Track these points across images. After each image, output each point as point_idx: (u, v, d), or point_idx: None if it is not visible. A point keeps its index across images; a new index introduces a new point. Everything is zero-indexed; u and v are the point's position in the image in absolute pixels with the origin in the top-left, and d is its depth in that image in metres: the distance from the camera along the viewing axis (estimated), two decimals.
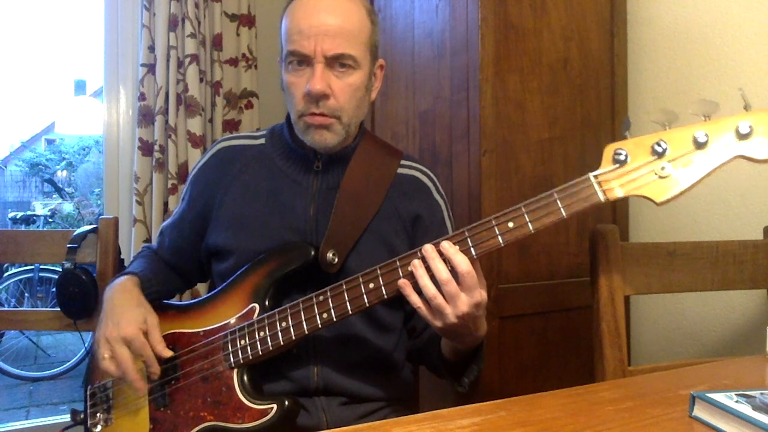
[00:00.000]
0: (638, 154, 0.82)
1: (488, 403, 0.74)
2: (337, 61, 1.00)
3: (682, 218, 1.64)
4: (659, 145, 0.81)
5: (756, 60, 1.49)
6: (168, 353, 1.01)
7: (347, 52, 1.00)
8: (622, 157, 0.83)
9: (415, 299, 0.88)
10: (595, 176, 0.84)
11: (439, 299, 0.86)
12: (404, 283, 0.88)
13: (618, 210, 1.73)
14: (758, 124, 0.77)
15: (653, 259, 1.15)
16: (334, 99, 1.01)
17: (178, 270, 1.21)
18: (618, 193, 0.83)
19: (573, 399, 0.77)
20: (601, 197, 0.83)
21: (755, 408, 0.64)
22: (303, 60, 1.00)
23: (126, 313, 1.00)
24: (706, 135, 0.79)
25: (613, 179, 0.83)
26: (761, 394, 0.68)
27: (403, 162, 1.14)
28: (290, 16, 1.02)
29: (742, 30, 1.52)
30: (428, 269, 0.87)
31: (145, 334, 1.00)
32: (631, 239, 1.76)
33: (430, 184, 1.15)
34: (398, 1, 1.84)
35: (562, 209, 0.84)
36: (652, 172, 0.81)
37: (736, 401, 0.66)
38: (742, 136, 0.78)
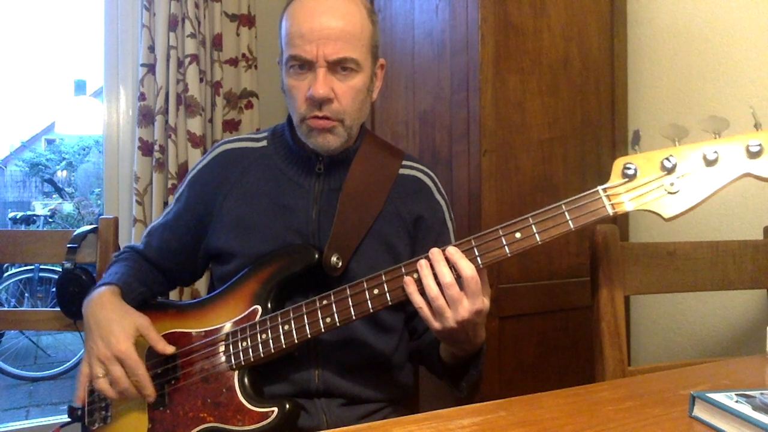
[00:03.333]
0: (648, 169, 0.83)
1: (488, 403, 0.75)
2: (339, 65, 0.99)
3: (682, 218, 1.63)
4: (669, 160, 0.81)
5: (756, 59, 1.49)
6: (171, 350, 1.01)
7: (349, 56, 0.99)
8: (631, 172, 0.83)
9: (417, 299, 0.88)
10: (604, 189, 0.84)
11: (441, 301, 0.86)
12: (409, 281, 0.88)
13: None
14: None
15: (653, 259, 1.15)
16: (337, 102, 1.00)
17: (165, 271, 1.18)
18: (626, 207, 0.83)
19: (573, 399, 0.77)
20: (610, 211, 0.84)
21: (755, 408, 0.64)
22: (305, 64, 0.99)
23: (113, 328, 0.97)
24: (716, 152, 0.80)
25: (622, 193, 0.84)
26: (761, 394, 0.68)
27: (404, 162, 1.14)
28: (290, 18, 1.01)
29: (742, 29, 1.52)
30: (433, 272, 0.87)
31: (140, 340, 0.99)
32: (631, 239, 1.76)
33: (431, 184, 1.15)
34: (398, 1, 1.84)
35: (570, 221, 0.85)
36: (661, 188, 0.82)
37: (736, 401, 0.66)
38: (752, 155, 0.79)
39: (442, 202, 1.15)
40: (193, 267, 1.18)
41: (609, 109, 1.73)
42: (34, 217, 5.57)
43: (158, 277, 1.17)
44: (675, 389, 0.79)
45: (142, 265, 1.16)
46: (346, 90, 1.00)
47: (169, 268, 1.18)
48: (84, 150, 10.65)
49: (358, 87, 1.02)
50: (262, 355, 0.96)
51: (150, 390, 0.98)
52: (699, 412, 0.68)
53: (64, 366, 4.01)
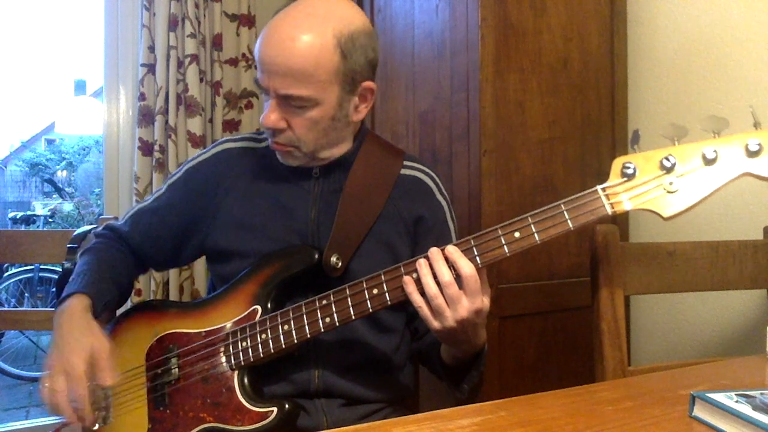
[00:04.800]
0: (647, 169, 0.83)
1: (488, 403, 0.75)
2: (288, 100, 0.96)
3: (682, 218, 1.63)
4: (668, 159, 0.81)
5: (756, 60, 1.49)
6: (111, 382, 0.93)
7: (296, 94, 0.95)
8: (630, 171, 0.83)
9: (416, 298, 0.88)
10: (603, 189, 0.84)
11: (440, 300, 0.86)
12: (408, 280, 0.88)
13: None
14: None
15: (653, 259, 1.15)
16: (290, 131, 0.99)
17: (142, 255, 1.15)
18: (625, 206, 0.83)
19: (573, 399, 0.77)
20: (609, 210, 0.84)
21: (755, 408, 0.64)
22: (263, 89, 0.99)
23: (71, 342, 0.93)
24: (715, 151, 0.80)
25: (621, 192, 0.84)
26: (761, 394, 0.68)
27: (405, 163, 1.14)
28: (259, 38, 0.99)
29: (742, 30, 1.52)
30: (432, 271, 0.87)
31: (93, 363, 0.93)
32: (631, 239, 1.76)
33: (432, 184, 1.15)
34: (398, 1, 1.84)
35: (569, 221, 0.85)
36: (659, 187, 0.82)
37: (736, 401, 0.66)
38: (751, 154, 0.79)
39: (444, 203, 1.15)
40: (174, 255, 1.15)
41: (609, 109, 1.73)
42: (34, 217, 5.58)
43: (131, 264, 1.13)
44: (675, 389, 0.79)
45: (118, 256, 1.11)
46: (301, 121, 0.98)
47: (149, 253, 1.15)
48: (84, 150, 10.65)
49: (315, 118, 0.98)
50: (261, 355, 0.96)
51: (86, 412, 0.91)
52: (699, 412, 0.68)
53: None
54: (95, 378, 0.92)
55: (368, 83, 1.02)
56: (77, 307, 0.99)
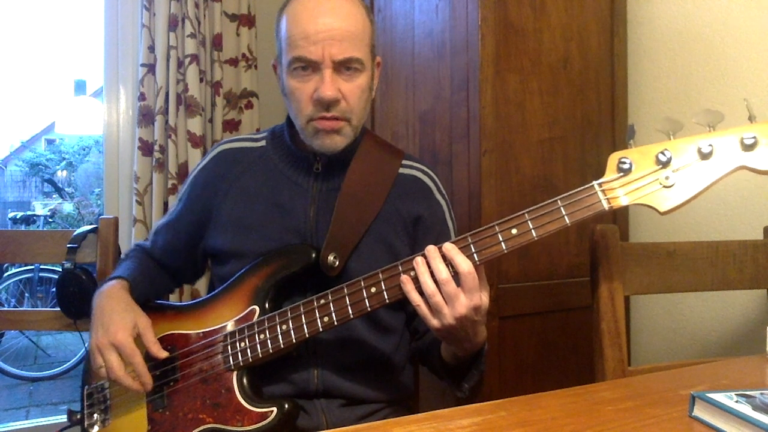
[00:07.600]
0: (642, 163, 0.83)
1: (488, 403, 0.75)
2: (344, 65, 0.99)
3: (682, 218, 1.64)
4: (663, 154, 0.81)
5: (756, 59, 1.49)
6: (164, 354, 1.01)
7: (354, 56, 0.99)
8: (626, 166, 0.83)
9: (414, 296, 0.88)
10: (599, 184, 0.84)
11: (438, 297, 0.86)
12: (405, 279, 0.88)
13: (618, 210, 1.73)
14: (763, 135, 0.78)
15: (653, 259, 1.15)
16: (345, 102, 1.01)
17: (170, 269, 1.20)
18: (622, 201, 0.83)
19: (573, 399, 0.77)
20: (605, 205, 0.84)
21: (755, 408, 0.64)
22: (309, 65, 0.99)
23: (115, 319, 0.99)
24: (711, 145, 0.79)
25: (618, 188, 0.84)
26: (761, 394, 0.68)
27: (404, 162, 1.14)
28: (292, 19, 1.00)
29: (741, 29, 1.52)
30: (430, 269, 0.87)
31: (138, 337, 0.99)
32: (631, 239, 1.76)
33: (431, 183, 1.15)
34: (398, 1, 1.84)
35: (565, 216, 0.85)
36: (656, 182, 0.82)
37: (736, 401, 0.66)
38: (746, 147, 0.78)
39: (443, 202, 1.15)
40: (195, 265, 1.19)
41: (609, 109, 1.73)
42: (34, 217, 5.58)
43: (164, 275, 1.20)
44: (675, 389, 0.79)
45: (149, 263, 1.18)
46: (353, 89, 1.01)
47: (174, 267, 1.20)
48: (84, 150, 10.66)
49: (363, 86, 1.03)
50: (260, 355, 0.96)
51: (147, 378, 0.98)
52: (699, 412, 0.68)
53: (64, 366, 4.01)
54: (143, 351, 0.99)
55: (378, 57, 1.10)
56: (116, 287, 1.06)
